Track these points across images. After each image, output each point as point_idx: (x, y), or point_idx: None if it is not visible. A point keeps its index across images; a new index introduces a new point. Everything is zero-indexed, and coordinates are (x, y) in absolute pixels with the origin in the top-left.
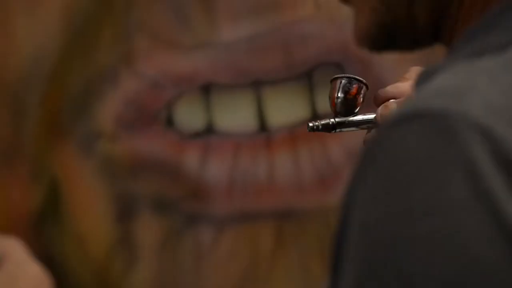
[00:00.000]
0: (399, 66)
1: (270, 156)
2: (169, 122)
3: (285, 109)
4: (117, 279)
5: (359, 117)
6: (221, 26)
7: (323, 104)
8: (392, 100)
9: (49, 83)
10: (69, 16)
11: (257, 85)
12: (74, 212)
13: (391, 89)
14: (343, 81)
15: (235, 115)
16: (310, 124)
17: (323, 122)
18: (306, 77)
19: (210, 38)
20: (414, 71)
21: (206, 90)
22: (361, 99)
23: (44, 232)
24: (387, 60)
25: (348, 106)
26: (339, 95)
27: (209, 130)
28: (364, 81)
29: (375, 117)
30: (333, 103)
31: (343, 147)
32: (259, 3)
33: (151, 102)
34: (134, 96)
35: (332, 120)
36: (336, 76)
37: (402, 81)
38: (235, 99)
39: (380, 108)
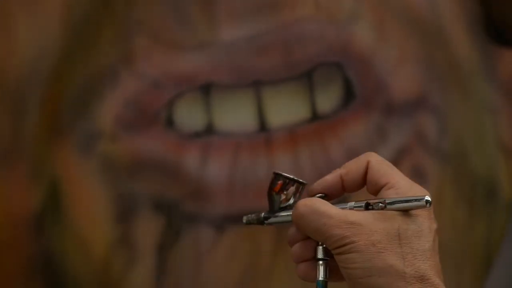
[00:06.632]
0: (399, 65)
1: (270, 156)
2: (169, 122)
3: (285, 109)
4: (117, 279)
5: (284, 213)
6: (221, 26)
7: (323, 104)
8: (318, 195)
9: (49, 83)
10: (69, 16)
11: (257, 85)
12: (74, 212)
13: (316, 185)
14: (272, 177)
15: (235, 115)
16: (245, 218)
17: (255, 216)
18: (306, 77)
19: (210, 38)
20: (370, 157)
21: (206, 90)
22: (287, 196)
23: (44, 232)
24: (388, 59)
25: (272, 202)
26: (268, 190)
27: (209, 130)
28: (291, 177)
29: None
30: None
31: (343, 147)
32: (259, 3)
33: (151, 102)
34: (134, 96)
35: (261, 214)
36: (274, 171)
37: (334, 173)
38: (235, 99)
39: (294, 207)
